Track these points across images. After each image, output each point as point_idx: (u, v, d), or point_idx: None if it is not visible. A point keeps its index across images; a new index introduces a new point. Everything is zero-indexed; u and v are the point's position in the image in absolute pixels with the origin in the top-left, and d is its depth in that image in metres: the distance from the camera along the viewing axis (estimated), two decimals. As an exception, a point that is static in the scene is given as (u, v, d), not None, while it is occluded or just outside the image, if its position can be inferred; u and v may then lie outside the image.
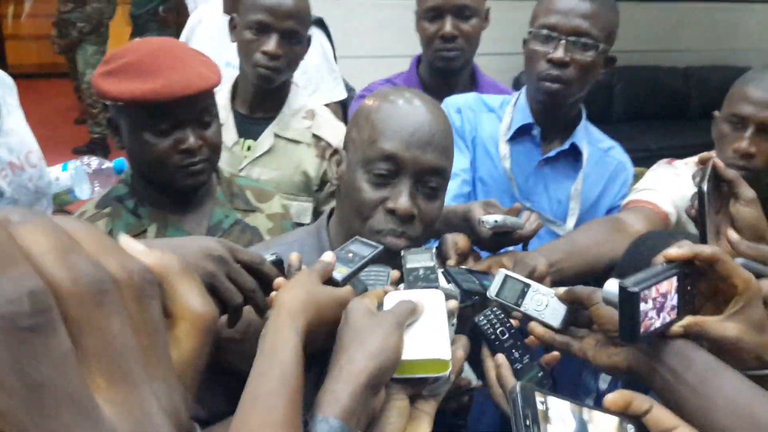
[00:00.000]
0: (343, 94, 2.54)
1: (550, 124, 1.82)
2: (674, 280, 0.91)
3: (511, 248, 1.42)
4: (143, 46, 1.44)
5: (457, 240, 1.36)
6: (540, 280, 1.25)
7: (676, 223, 1.73)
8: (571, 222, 1.80)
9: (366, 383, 0.80)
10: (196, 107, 1.43)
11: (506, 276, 1.11)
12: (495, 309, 1.10)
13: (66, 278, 0.30)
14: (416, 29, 2.14)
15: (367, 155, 1.19)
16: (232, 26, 1.98)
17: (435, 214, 1.22)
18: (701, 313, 0.96)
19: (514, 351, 1.06)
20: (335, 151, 1.31)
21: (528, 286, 1.10)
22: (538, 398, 0.78)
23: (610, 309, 0.96)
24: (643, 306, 0.87)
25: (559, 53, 1.66)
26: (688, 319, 0.93)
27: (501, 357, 1.04)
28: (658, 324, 0.90)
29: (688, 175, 1.82)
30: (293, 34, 1.90)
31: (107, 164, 1.82)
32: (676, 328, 0.92)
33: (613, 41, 1.73)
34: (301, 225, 1.92)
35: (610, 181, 1.85)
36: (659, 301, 0.89)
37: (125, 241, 0.39)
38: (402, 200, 1.16)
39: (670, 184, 1.78)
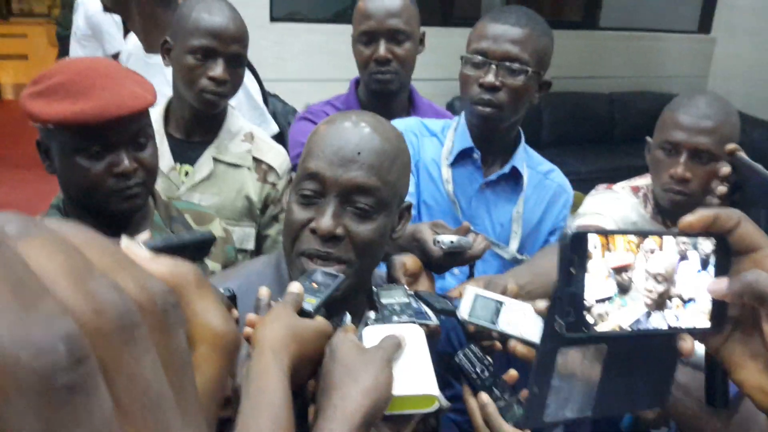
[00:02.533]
0: (271, 130, 2.47)
1: (489, 148, 1.83)
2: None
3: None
4: (73, 66, 1.38)
5: (405, 261, 1.35)
6: None
7: None
8: (513, 244, 1.81)
9: (362, 422, 0.79)
10: (129, 128, 1.37)
11: (476, 295, 1.08)
12: (472, 346, 1.08)
13: (88, 311, 0.24)
14: (353, 52, 2.15)
15: (297, 176, 1.18)
16: (166, 50, 1.91)
17: (367, 236, 1.15)
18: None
19: (494, 389, 1.05)
20: (290, 180, 1.29)
21: (501, 303, 1.07)
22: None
23: None
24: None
25: (489, 78, 1.68)
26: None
27: (485, 396, 1.03)
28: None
29: (627, 198, 1.88)
30: (238, 58, 1.87)
31: None
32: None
33: (546, 65, 1.76)
34: (243, 251, 1.90)
35: (550, 203, 1.88)
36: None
37: (127, 246, 0.32)
38: (323, 220, 1.12)
39: (612, 208, 1.83)
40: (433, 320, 1.10)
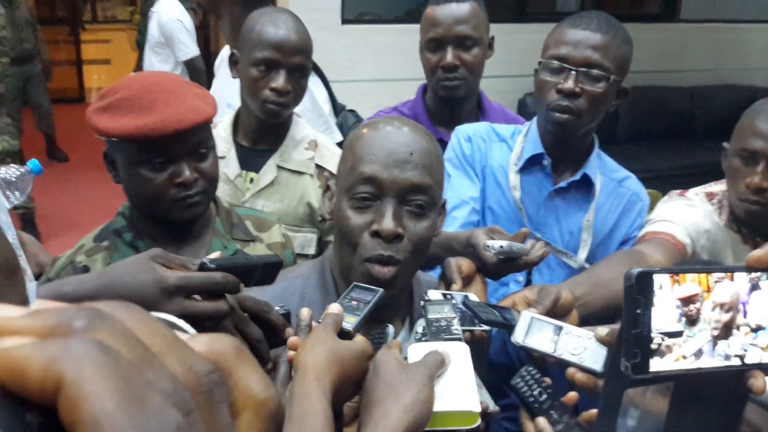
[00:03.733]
0: (333, 139, 2.44)
1: (561, 155, 1.79)
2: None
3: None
4: (137, 81, 1.42)
5: (461, 263, 1.34)
6: (566, 311, 1.21)
7: (692, 254, 1.70)
8: (582, 254, 1.76)
9: None
10: (190, 141, 1.41)
11: (532, 318, 1.05)
12: (530, 369, 1.06)
13: None
14: (420, 58, 2.14)
15: (349, 182, 1.20)
16: (233, 62, 1.97)
17: (424, 233, 1.19)
18: None
19: (552, 412, 1.03)
20: (327, 187, 1.32)
21: (560, 328, 1.04)
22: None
23: None
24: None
25: (569, 84, 1.63)
26: None
27: (542, 421, 1.01)
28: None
29: (701, 206, 1.80)
30: (301, 68, 1.89)
31: (23, 169, 1.80)
32: None
33: (625, 73, 1.71)
34: (305, 256, 1.92)
35: (624, 212, 1.82)
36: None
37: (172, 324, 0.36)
38: (386, 221, 1.15)
39: (685, 215, 1.76)
40: (480, 327, 1.10)
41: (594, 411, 1.01)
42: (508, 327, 1.15)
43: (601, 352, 1.01)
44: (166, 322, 0.40)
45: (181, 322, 0.42)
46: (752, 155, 1.67)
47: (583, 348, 1.00)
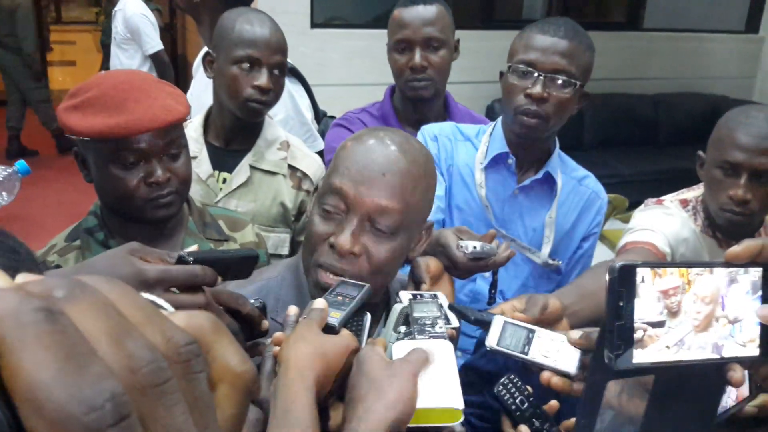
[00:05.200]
0: (316, 147, 2.47)
1: (525, 154, 1.83)
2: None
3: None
4: (108, 80, 1.41)
5: (429, 263, 1.35)
6: (555, 319, 1.21)
7: None
8: (545, 249, 1.80)
9: None
10: (162, 140, 1.40)
11: (505, 322, 1.04)
12: (512, 377, 1.06)
13: (126, 369, 0.28)
14: (388, 60, 2.16)
15: (323, 190, 1.20)
16: (209, 62, 1.97)
17: (383, 256, 1.16)
18: None
19: (534, 420, 1.04)
20: (316, 188, 1.30)
21: (533, 331, 1.03)
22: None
23: None
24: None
25: (537, 89, 1.67)
26: (762, 398, 0.81)
27: (524, 429, 1.02)
28: (729, 403, 0.81)
29: (678, 213, 1.84)
30: (280, 67, 1.91)
31: (9, 170, 1.79)
32: (750, 408, 0.81)
33: (588, 78, 1.75)
34: (278, 256, 1.93)
35: (584, 209, 1.86)
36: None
37: (152, 299, 0.37)
38: (341, 237, 1.13)
39: (663, 224, 1.79)
40: (454, 323, 1.09)
41: (555, 403, 1.03)
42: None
43: (574, 355, 1.00)
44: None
45: (161, 301, 0.43)
46: (734, 167, 1.69)
47: (555, 350, 1.00)
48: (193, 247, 1.13)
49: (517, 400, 1.05)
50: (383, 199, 1.14)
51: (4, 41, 6.21)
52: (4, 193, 1.68)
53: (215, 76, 1.95)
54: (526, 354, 1.00)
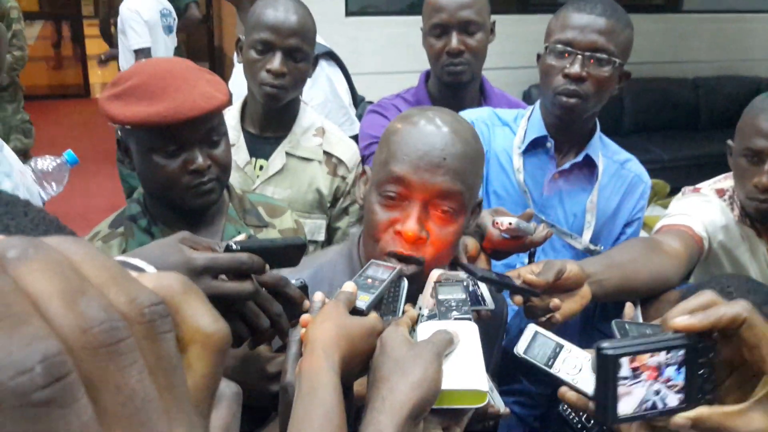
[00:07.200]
0: (353, 131, 2.47)
1: (564, 137, 1.81)
2: (681, 354, 0.80)
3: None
4: (149, 68, 1.43)
5: (466, 243, 1.36)
6: (574, 285, 1.22)
7: (708, 249, 1.71)
8: (587, 235, 1.78)
9: (409, 414, 0.80)
10: (203, 128, 1.42)
11: (536, 332, 1.02)
12: None
13: (77, 329, 0.27)
14: (423, 45, 2.15)
15: (380, 177, 1.19)
16: (239, 48, 1.99)
17: (448, 239, 1.18)
18: (721, 390, 0.82)
19: None
20: (364, 172, 1.32)
21: (561, 346, 1.00)
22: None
23: None
24: (630, 378, 0.78)
25: (575, 68, 1.65)
26: (698, 411, 0.79)
27: None
28: (659, 405, 0.80)
29: (716, 201, 1.81)
30: (297, 51, 1.89)
31: (59, 160, 1.80)
32: (679, 418, 0.80)
33: (627, 56, 1.72)
34: (315, 242, 1.94)
35: (626, 193, 1.84)
36: (653, 376, 0.79)
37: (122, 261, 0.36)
38: (409, 224, 1.14)
39: (701, 211, 1.76)
40: (489, 305, 1.10)
41: None
42: (504, 285, 1.16)
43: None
44: (124, 264, 0.40)
45: (140, 262, 0.41)
46: (757, 154, 1.67)
47: (579, 369, 0.96)
48: (241, 236, 1.15)
49: (584, 419, 1.04)
50: (446, 183, 1.15)
51: None
52: (53, 183, 1.70)
53: (243, 61, 1.96)
54: (550, 367, 0.98)
